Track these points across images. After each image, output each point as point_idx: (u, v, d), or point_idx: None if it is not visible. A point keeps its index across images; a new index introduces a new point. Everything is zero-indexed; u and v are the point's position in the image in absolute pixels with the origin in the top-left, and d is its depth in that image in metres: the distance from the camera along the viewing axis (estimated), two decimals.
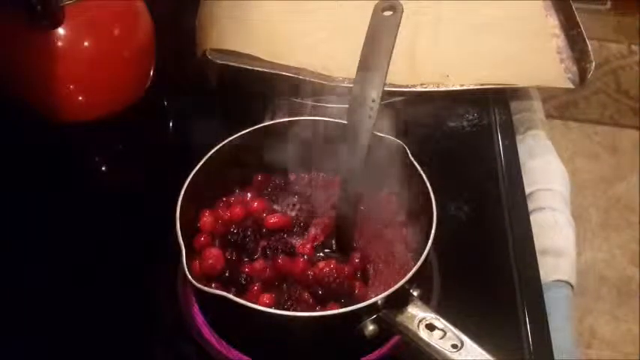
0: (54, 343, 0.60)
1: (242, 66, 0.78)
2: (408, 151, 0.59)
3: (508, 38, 0.85)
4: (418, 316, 0.51)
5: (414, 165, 0.58)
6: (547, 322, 0.62)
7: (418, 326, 0.50)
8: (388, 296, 0.50)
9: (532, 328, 0.61)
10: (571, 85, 0.80)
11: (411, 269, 0.52)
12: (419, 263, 0.52)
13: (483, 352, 0.48)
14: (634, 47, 1.83)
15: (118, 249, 0.66)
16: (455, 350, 0.48)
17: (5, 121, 0.74)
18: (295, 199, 0.64)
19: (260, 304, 0.53)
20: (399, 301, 0.51)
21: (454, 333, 0.49)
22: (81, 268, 0.65)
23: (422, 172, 0.58)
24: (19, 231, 0.68)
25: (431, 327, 0.50)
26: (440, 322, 0.50)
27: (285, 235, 0.60)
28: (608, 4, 1.83)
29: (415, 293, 0.52)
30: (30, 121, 0.73)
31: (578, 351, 0.65)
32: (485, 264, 0.66)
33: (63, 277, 0.64)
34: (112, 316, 0.61)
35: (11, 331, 0.60)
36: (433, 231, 0.54)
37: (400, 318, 0.51)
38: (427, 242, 0.54)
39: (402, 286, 0.51)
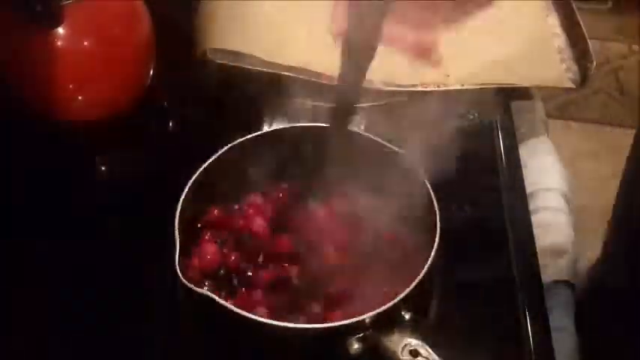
0: (53, 343, 0.60)
1: (242, 66, 0.78)
2: (408, 155, 0.59)
3: (508, 38, 0.84)
4: (404, 340, 0.50)
5: (414, 168, 0.58)
6: (548, 323, 0.61)
7: (402, 351, 0.50)
8: (377, 315, 0.50)
9: (532, 329, 0.61)
10: (572, 85, 0.80)
11: (407, 285, 0.51)
12: (415, 282, 0.51)
13: None
14: (635, 47, 1.83)
15: (117, 249, 0.66)
16: None
17: (5, 121, 0.74)
18: (302, 208, 0.62)
19: (251, 309, 0.52)
20: (388, 321, 0.51)
21: None
22: (80, 267, 0.65)
23: (422, 173, 0.58)
24: (18, 231, 0.67)
25: (415, 353, 0.50)
26: (424, 350, 0.50)
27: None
28: (609, 4, 1.83)
29: (407, 316, 0.52)
30: (30, 121, 0.73)
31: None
32: (485, 264, 0.66)
33: (62, 277, 0.64)
34: (112, 316, 0.61)
35: (10, 331, 0.60)
36: (436, 242, 0.53)
37: (385, 340, 0.51)
38: (427, 260, 0.53)
39: (394, 305, 0.50)
